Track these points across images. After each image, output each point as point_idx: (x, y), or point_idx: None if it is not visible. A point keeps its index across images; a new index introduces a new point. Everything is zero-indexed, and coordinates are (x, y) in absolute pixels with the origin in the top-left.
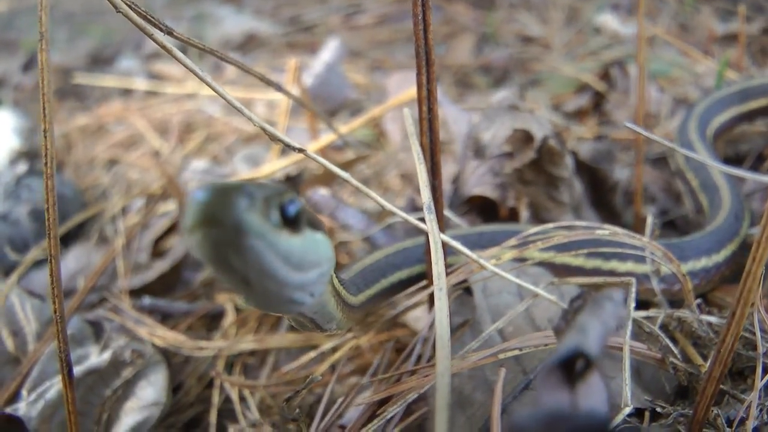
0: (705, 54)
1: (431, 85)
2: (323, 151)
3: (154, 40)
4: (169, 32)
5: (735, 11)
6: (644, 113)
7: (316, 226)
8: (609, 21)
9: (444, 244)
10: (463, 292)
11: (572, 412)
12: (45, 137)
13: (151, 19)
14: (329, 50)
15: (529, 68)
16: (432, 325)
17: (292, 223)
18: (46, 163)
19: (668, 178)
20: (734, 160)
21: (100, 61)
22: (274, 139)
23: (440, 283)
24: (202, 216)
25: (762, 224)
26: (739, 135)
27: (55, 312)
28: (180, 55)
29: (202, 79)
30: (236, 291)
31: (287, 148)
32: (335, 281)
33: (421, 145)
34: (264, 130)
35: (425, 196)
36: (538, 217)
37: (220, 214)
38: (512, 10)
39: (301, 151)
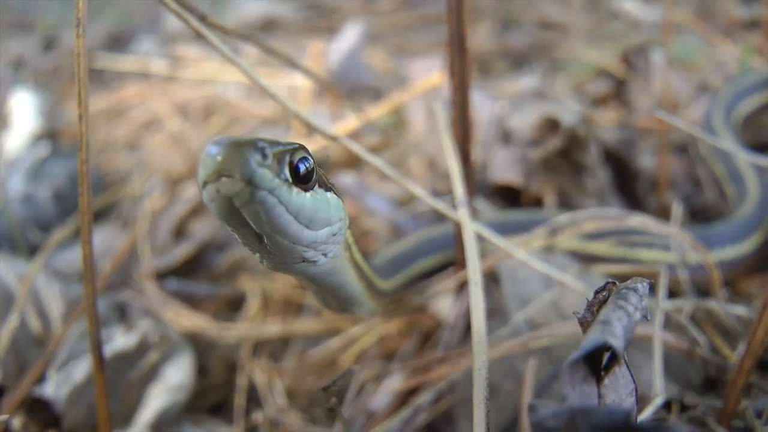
0: (726, 39)
1: (464, 75)
2: (350, 137)
3: (192, 27)
4: (203, 18)
5: None
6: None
7: (327, 185)
8: (628, 6)
9: (478, 240)
10: (489, 278)
11: (593, 408)
12: (81, 122)
13: (201, 14)
14: (350, 34)
15: (549, 54)
16: (460, 314)
17: (303, 180)
18: (81, 148)
19: (689, 164)
20: (757, 147)
21: (118, 43)
22: (308, 125)
23: (476, 277)
24: (214, 169)
25: None
26: (763, 122)
27: (88, 298)
28: (218, 43)
29: (242, 69)
30: (251, 248)
31: (313, 133)
32: (355, 252)
33: (454, 136)
34: (298, 116)
35: (458, 192)
36: (562, 204)
37: (232, 168)
38: None
39: (334, 138)
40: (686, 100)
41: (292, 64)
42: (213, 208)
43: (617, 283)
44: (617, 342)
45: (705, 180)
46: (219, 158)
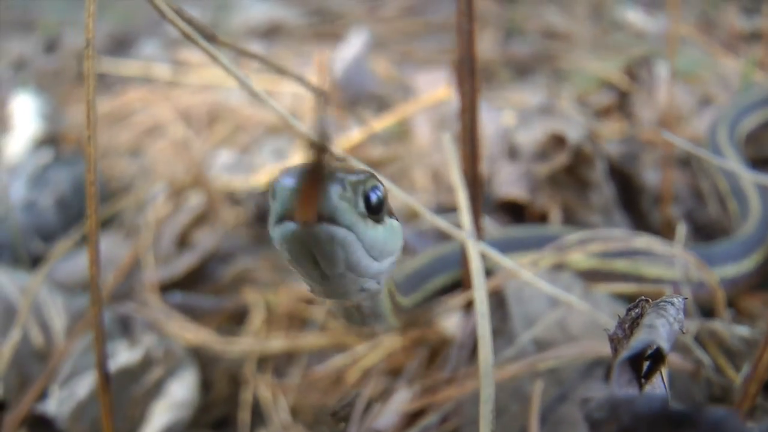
0: (728, 52)
1: (474, 96)
2: (354, 148)
3: (202, 48)
4: (213, 37)
5: (760, 8)
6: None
7: (391, 211)
8: (632, 16)
9: (484, 262)
10: (495, 296)
11: (633, 397)
12: (89, 143)
13: (199, 25)
14: (355, 41)
15: (553, 64)
16: (467, 334)
17: (374, 211)
18: (89, 170)
19: (693, 178)
20: (760, 162)
21: (121, 46)
22: (307, 141)
23: (482, 309)
24: (294, 205)
25: None
26: (766, 137)
27: (94, 316)
28: (222, 58)
29: (241, 82)
30: (308, 282)
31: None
32: None
33: (462, 156)
34: (297, 130)
35: (466, 222)
36: (567, 220)
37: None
38: (536, 5)
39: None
40: (689, 113)
41: (295, 79)
42: (285, 248)
43: (650, 300)
44: (664, 344)
45: (708, 195)
46: (297, 192)
